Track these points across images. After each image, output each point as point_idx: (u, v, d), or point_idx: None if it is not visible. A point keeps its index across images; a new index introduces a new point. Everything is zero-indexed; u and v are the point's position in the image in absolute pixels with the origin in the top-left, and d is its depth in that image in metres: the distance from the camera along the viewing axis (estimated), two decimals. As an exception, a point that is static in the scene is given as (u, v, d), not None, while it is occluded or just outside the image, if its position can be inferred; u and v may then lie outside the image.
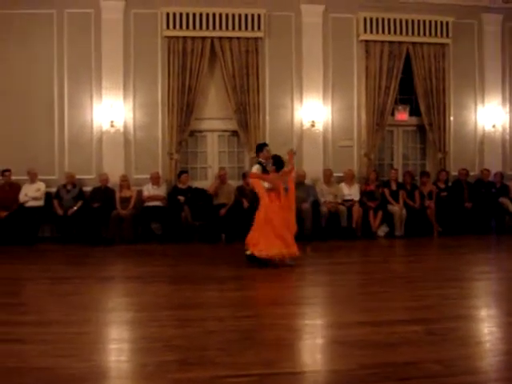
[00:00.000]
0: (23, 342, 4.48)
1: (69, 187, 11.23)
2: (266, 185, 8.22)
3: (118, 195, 11.21)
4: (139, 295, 6.43)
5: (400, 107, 12.70)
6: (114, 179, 11.37)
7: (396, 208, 11.51)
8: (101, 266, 8.68)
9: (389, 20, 12.19)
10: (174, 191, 11.34)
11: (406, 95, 12.82)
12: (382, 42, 12.25)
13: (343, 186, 11.77)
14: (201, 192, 11.31)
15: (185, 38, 11.66)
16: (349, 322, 5.05)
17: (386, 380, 3.66)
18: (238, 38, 11.78)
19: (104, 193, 11.22)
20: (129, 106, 11.78)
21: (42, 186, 11.19)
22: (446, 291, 6.38)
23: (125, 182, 11.29)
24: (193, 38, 11.67)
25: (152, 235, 11.22)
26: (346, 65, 12.35)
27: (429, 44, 12.38)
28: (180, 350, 4.29)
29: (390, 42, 12.27)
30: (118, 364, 4.14)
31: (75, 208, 10.97)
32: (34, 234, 10.77)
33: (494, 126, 12.85)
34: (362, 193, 11.73)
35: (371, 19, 12.16)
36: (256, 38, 11.87)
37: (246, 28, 11.75)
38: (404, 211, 11.50)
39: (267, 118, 12.08)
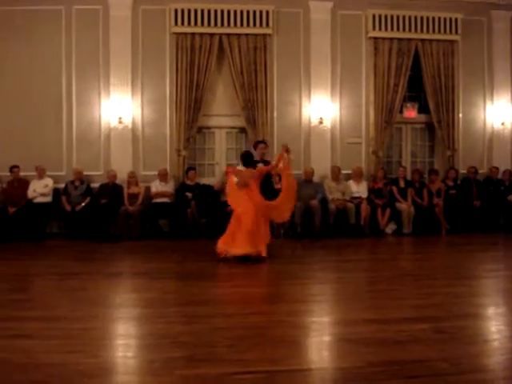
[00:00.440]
0: (30, 337, 4.49)
1: (77, 183, 11.26)
2: (235, 180, 8.35)
3: (125, 191, 11.23)
4: (146, 291, 6.43)
5: (408, 104, 12.66)
6: (121, 176, 11.39)
7: (404, 206, 11.47)
8: (108, 262, 8.70)
9: (397, 17, 12.14)
10: (181, 188, 11.36)
11: (415, 92, 12.76)
12: (391, 39, 12.20)
13: (351, 183, 11.75)
14: (208, 188, 11.31)
15: (193, 34, 11.66)
16: (356, 320, 5.03)
17: (393, 378, 3.65)
18: (247, 35, 11.76)
19: (112, 189, 11.24)
20: (137, 103, 11.80)
21: (50, 182, 11.23)
22: (454, 289, 6.37)
23: (133, 178, 11.31)
24: (201, 35, 11.67)
25: (160, 231, 11.24)
26: (354, 62, 12.31)
27: (438, 41, 12.32)
28: (187, 347, 4.29)
29: (399, 39, 12.22)
30: (125, 360, 4.15)
31: (83, 204, 11.00)
32: (42, 230, 10.80)
33: (503, 124, 12.79)
34: (370, 190, 11.70)
35: (380, 16, 12.12)
36: (264, 35, 11.84)
37: (255, 24, 11.73)
38: (412, 209, 11.47)
39: (275, 114, 12.07)
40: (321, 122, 12.09)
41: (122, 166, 11.53)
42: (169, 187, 11.37)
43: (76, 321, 5.01)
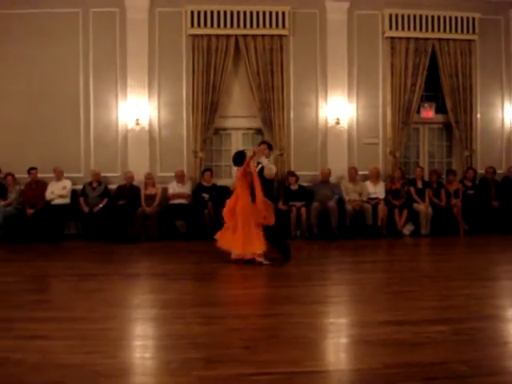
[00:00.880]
0: (48, 338, 4.51)
1: (94, 185, 11.34)
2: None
3: (143, 193, 11.28)
4: (164, 292, 6.46)
5: (426, 104, 12.58)
6: (139, 177, 11.45)
7: (422, 206, 11.40)
8: (126, 263, 8.76)
9: (414, 16, 12.07)
10: (198, 189, 11.39)
11: (432, 92, 12.68)
12: (408, 38, 12.13)
13: (368, 184, 11.70)
14: (225, 190, 11.31)
15: (209, 36, 11.69)
16: (373, 321, 5.00)
17: (410, 379, 3.62)
18: (263, 36, 11.76)
19: (129, 190, 11.30)
20: (154, 105, 11.84)
21: (67, 183, 11.32)
22: (473, 290, 6.30)
23: (150, 179, 11.37)
24: (217, 36, 11.69)
25: (177, 233, 11.27)
26: (371, 62, 12.26)
27: (455, 40, 12.23)
28: (205, 348, 4.29)
29: (416, 39, 12.15)
30: (143, 361, 4.15)
31: (101, 205, 11.07)
32: (60, 232, 10.87)
33: (521, 124, 12.69)
34: (388, 191, 11.64)
35: (396, 16, 12.06)
36: (280, 36, 11.84)
37: (271, 25, 11.73)
38: (430, 210, 11.39)
39: (292, 115, 12.06)
40: (337, 123, 12.05)
41: (139, 168, 11.58)
42: (186, 188, 11.40)
43: (94, 321, 5.03)
